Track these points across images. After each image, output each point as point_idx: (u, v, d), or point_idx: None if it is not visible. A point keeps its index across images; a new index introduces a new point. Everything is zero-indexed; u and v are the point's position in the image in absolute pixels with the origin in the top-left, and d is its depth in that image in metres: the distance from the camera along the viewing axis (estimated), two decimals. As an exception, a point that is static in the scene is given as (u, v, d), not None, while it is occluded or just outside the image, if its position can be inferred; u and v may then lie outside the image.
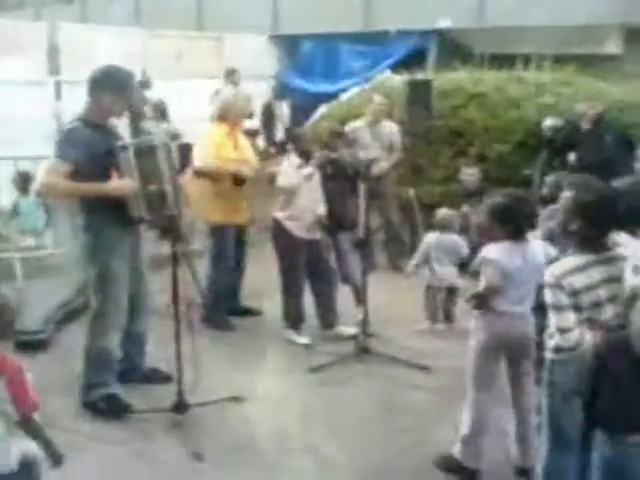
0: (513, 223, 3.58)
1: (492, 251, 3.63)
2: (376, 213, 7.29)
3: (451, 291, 5.89)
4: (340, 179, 5.75)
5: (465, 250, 5.81)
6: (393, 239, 7.62)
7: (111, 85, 4.26)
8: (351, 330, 5.53)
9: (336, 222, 5.70)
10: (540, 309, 3.34)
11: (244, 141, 5.97)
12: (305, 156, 5.53)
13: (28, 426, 2.93)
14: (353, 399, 4.68)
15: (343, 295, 5.81)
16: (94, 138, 4.19)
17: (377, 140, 7.34)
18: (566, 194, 3.09)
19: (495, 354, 3.69)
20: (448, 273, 5.85)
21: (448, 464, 3.78)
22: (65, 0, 16.44)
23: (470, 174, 7.51)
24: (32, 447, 2.99)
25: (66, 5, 16.17)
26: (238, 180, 5.64)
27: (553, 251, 3.69)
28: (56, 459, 3.01)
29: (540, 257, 3.61)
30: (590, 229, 3.02)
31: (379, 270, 7.06)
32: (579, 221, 3.01)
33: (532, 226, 3.70)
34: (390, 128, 7.50)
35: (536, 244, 3.72)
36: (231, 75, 10.29)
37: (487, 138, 8.08)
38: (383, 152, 7.29)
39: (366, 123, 7.39)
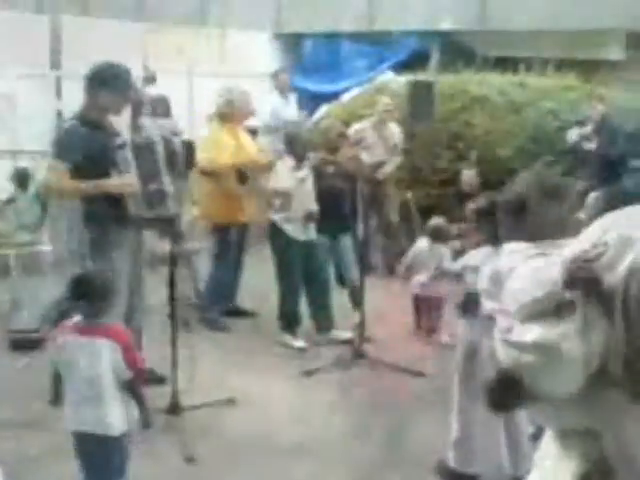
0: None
1: (474, 257, 3.59)
2: (374, 215, 7.26)
3: (434, 301, 5.73)
4: (338, 180, 5.71)
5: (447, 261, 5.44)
6: (391, 242, 7.59)
7: (108, 82, 4.24)
8: (347, 334, 5.51)
9: (333, 223, 5.67)
10: None
11: (247, 138, 5.95)
12: (299, 158, 5.48)
13: (134, 387, 3.14)
14: (347, 403, 4.67)
15: (339, 298, 5.78)
16: (91, 137, 4.18)
17: (382, 142, 7.31)
18: None
19: (479, 359, 3.63)
20: (433, 283, 5.62)
21: (443, 471, 3.76)
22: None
23: (469, 177, 7.48)
24: (131, 415, 3.15)
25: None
26: (242, 178, 5.62)
27: None
28: (147, 422, 3.21)
29: None
30: None
31: (376, 273, 7.04)
32: None
33: None
34: (394, 130, 7.48)
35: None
36: (276, 77, 9.02)
37: (488, 142, 8.05)
38: (387, 154, 7.26)
39: (372, 124, 7.35)
